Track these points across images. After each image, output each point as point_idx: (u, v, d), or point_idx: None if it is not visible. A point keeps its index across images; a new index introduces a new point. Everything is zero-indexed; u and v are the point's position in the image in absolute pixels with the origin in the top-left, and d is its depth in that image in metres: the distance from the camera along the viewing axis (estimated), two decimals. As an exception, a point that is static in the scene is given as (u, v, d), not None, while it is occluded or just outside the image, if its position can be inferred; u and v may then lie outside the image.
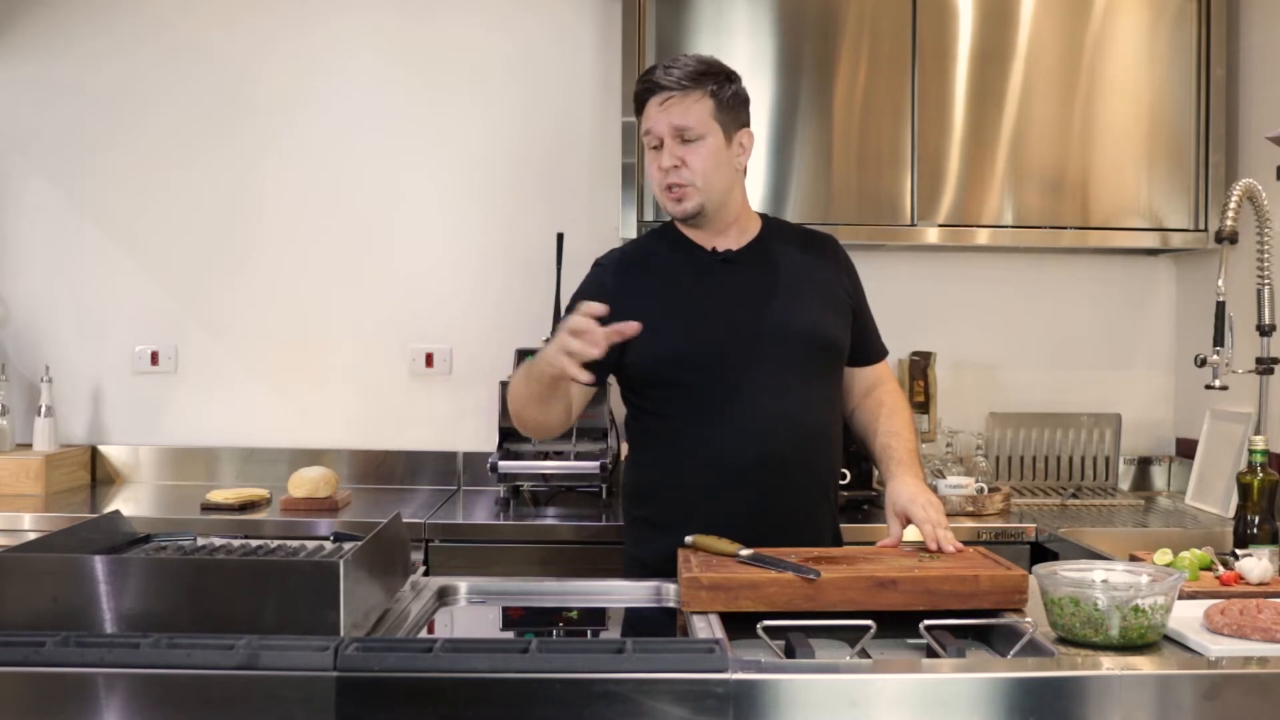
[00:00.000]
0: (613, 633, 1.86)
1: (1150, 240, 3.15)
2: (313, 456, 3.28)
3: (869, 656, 1.48)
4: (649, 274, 2.16)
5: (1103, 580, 1.60)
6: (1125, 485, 3.38)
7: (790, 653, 1.47)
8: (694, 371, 2.07)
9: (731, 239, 2.17)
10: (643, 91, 2.10)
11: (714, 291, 2.12)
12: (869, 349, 2.26)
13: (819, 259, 2.21)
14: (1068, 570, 1.64)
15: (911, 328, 3.34)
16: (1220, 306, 2.45)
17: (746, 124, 2.16)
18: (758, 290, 2.12)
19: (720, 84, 2.09)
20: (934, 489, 2.88)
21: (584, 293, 2.17)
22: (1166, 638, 1.55)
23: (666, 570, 1.87)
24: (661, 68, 2.09)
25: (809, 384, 2.11)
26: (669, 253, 2.18)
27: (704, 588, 1.63)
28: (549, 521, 2.87)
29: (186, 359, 3.44)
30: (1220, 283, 2.45)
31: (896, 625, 1.59)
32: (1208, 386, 2.47)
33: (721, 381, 2.06)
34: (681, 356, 2.08)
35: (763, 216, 2.24)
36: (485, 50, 3.42)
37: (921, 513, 1.92)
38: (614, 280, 2.16)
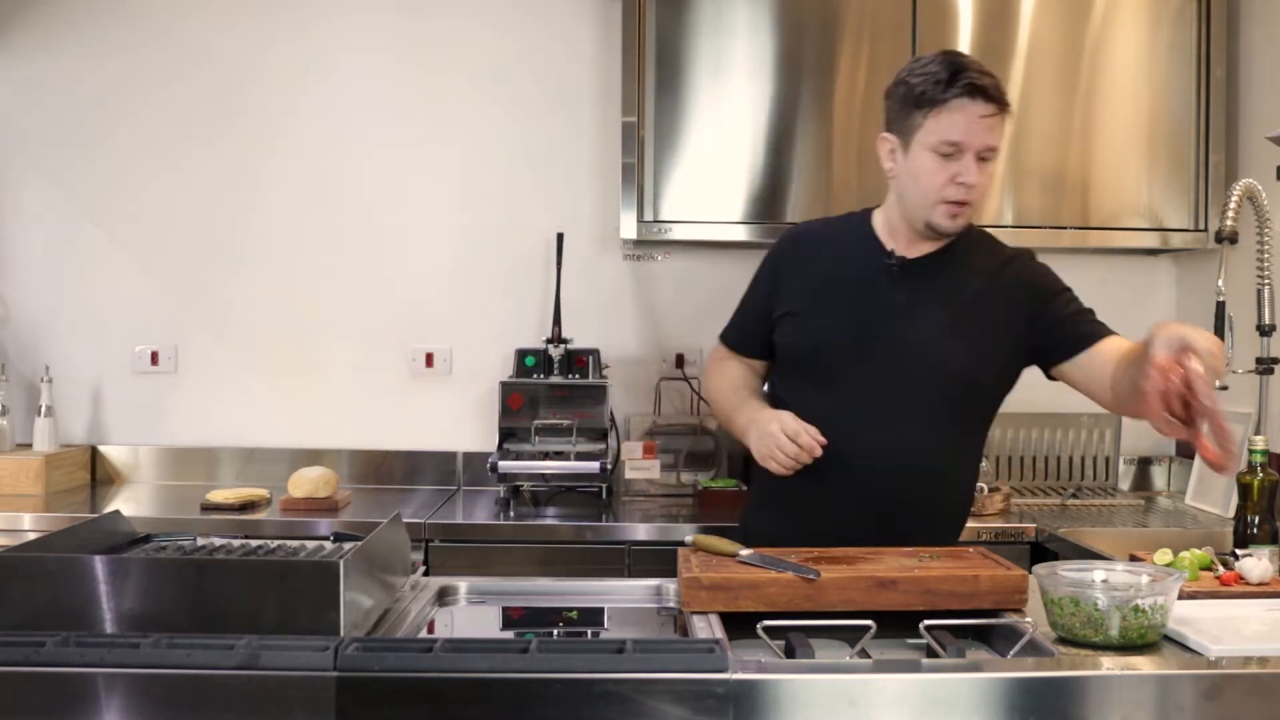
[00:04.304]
0: (612, 633, 1.86)
1: (1150, 240, 3.15)
2: (313, 456, 3.28)
3: (869, 656, 1.48)
4: (818, 258, 2.12)
5: (1103, 580, 1.60)
6: (1125, 485, 3.38)
7: (790, 653, 1.47)
8: (824, 372, 2.05)
9: (923, 245, 2.08)
10: (963, 91, 1.94)
11: (868, 295, 2.06)
12: (1081, 335, 2.01)
13: (997, 287, 2.07)
14: (1068, 570, 1.64)
15: (911, 328, 3.34)
16: (1220, 306, 2.45)
17: None
18: (908, 306, 2.04)
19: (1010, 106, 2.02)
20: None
21: (762, 270, 2.20)
22: (1166, 638, 1.55)
23: (769, 541, 1.85)
24: (981, 73, 1.97)
25: (931, 421, 2.03)
26: (846, 242, 2.12)
27: (704, 588, 1.63)
28: (549, 521, 2.87)
29: (186, 359, 3.45)
30: (1220, 283, 2.45)
31: (896, 625, 1.59)
32: (1208, 386, 2.47)
33: (846, 389, 2.03)
34: (816, 353, 2.06)
35: (969, 226, 2.10)
36: (485, 50, 3.42)
37: (1204, 343, 1.59)
38: (783, 259, 2.17)
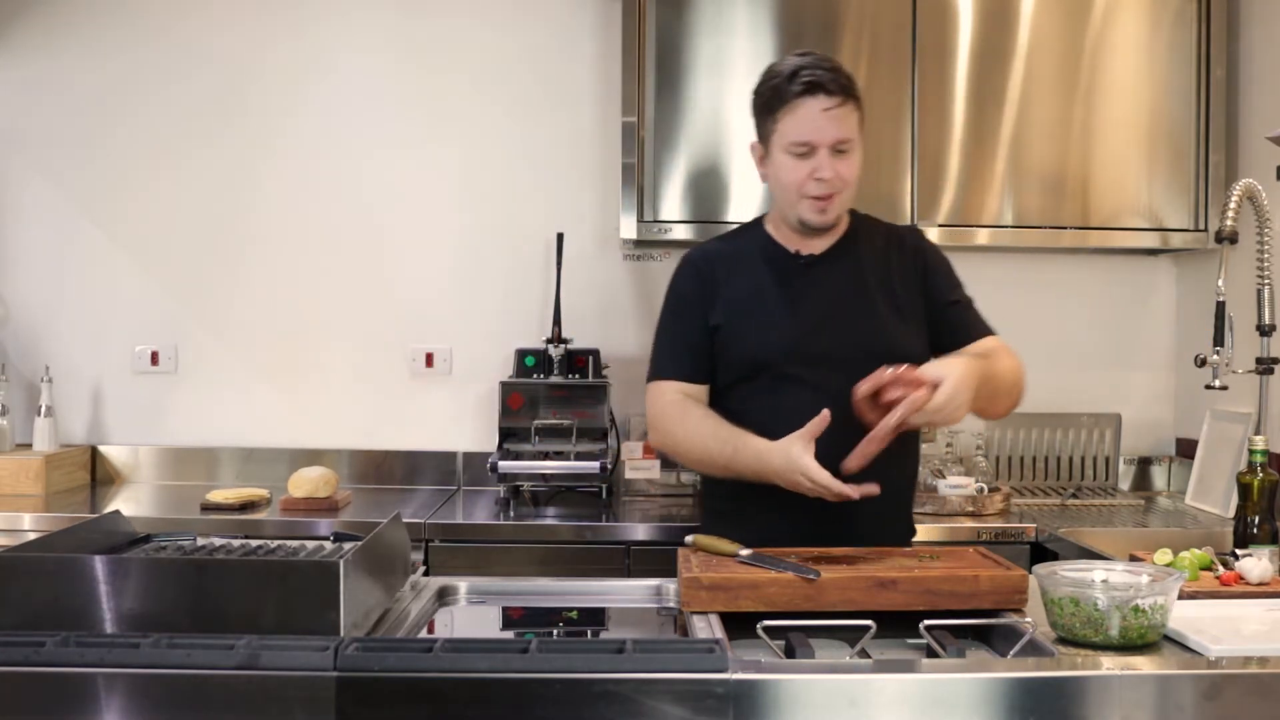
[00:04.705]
0: (612, 633, 1.86)
1: (1150, 240, 3.15)
2: (313, 456, 3.28)
3: (869, 656, 1.48)
4: (738, 274, 2.14)
5: (1103, 580, 1.60)
6: (1125, 485, 3.38)
7: (790, 653, 1.47)
8: (771, 376, 2.07)
9: (821, 241, 2.14)
10: (802, 90, 2.00)
11: (793, 297, 2.10)
12: (965, 330, 2.14)
13: (898, 261, 2.15)
14: (1068, 570, 1.64)
15: (911, 328, 3.34)
16: (1220, 306, 2.45)
17: None
18: (833, 298, 2.10)
19: (858, 89, 2.06)
20: (934, 489, 2.90)
21: (682, 288, 2.16)
22: (1166, 638, 1.55)
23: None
24: (820, 68, 2.01)
25: None
26: (754, 253, 2.16)
27: (704, 588, 1.63)
28: (549, 521, 2.87)
29: (186, 359, 3.44)
30: (1220, 283, 2.45)
31: (896, 625, 1.59)
32: (1208, 386, 2.47)
33: (797, 384, 2.05)
34: (760, 360, 2.07)
35: (850, 214, 2.19)
36: (485, 50, 3.42)
37: (949, 385, 1.81)
38: (700, 277, 2.15)
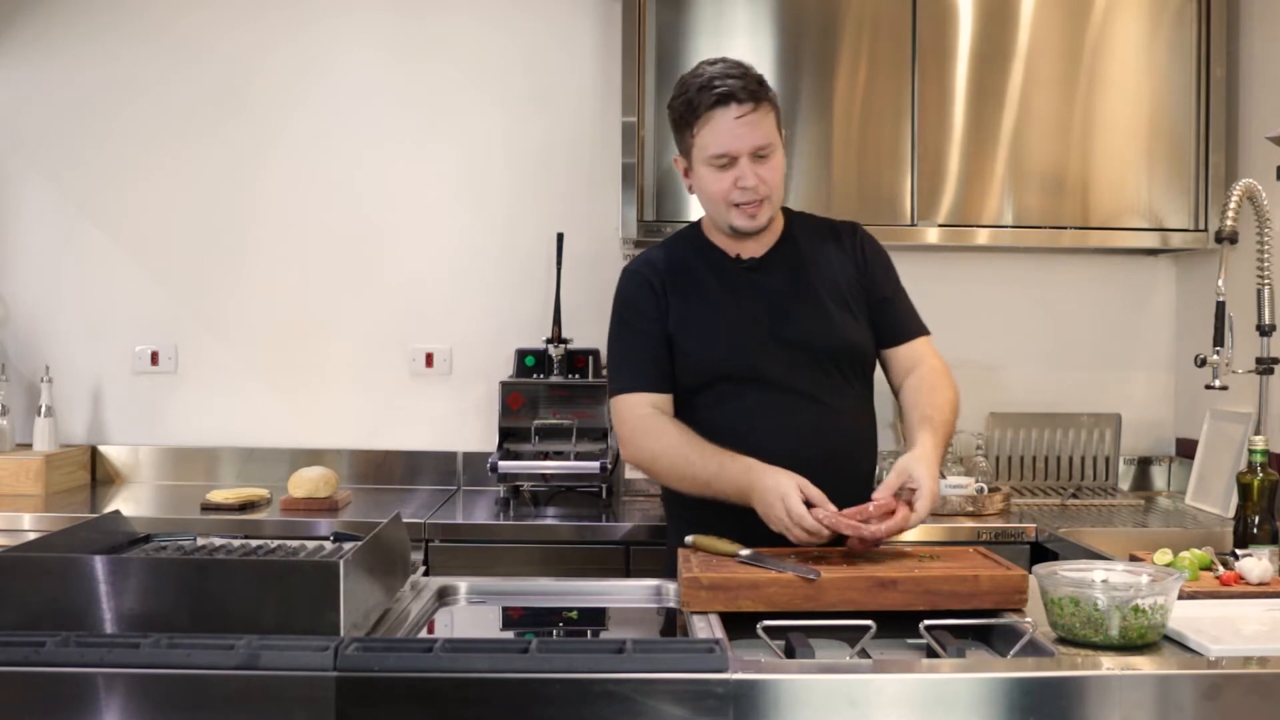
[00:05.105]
0: (612, 633, 1.86)
1: (1150, 240, 3.15)
2: (313, 456, 3.28)
3: (869, 656, 1.48)
4: (683, 282, 2.15)
5: (1103, 580, 1.60)
6: (1125, 485, 3.38)
7: (790, 653, 1.47)
8: (729, 380, 2.08)
9: (759, 243, 2.15)
10: (714, 102, 2.00)
11: (741, 301, 2.12)
12: (898, 328, 2.18)
13: (838, 254, 2.17)
14: (1068, 570, 1.64)
15: (911, 328, 3.34)
16: (1220, 306, 2.45)
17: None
18: (779, 298, 2.11)
19: (770, 90, 2.06)
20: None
21: (635, 300, 2.16)
22: (1166, 638, 1.55)
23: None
24: (727, 76, 2.01)
25: (838, 389, 2.10)
26: (696, 260, 2.17)
27: (704, 588, 1.63)
28: (549, 521, 2.87)
29: (186, 359, 3.44)
30: (1220, 283, 2.45)
31: (896, 625, 1.59)
32: (1208, 386, 2.47)
33: (756, 387, 2.06)
34: (717, 365, 2.08)
35: (785, 212, 2.21)
36: (485, 50, 3.42)
37: (925, 501, 1.86)
38: (651, 287, 2.15)
